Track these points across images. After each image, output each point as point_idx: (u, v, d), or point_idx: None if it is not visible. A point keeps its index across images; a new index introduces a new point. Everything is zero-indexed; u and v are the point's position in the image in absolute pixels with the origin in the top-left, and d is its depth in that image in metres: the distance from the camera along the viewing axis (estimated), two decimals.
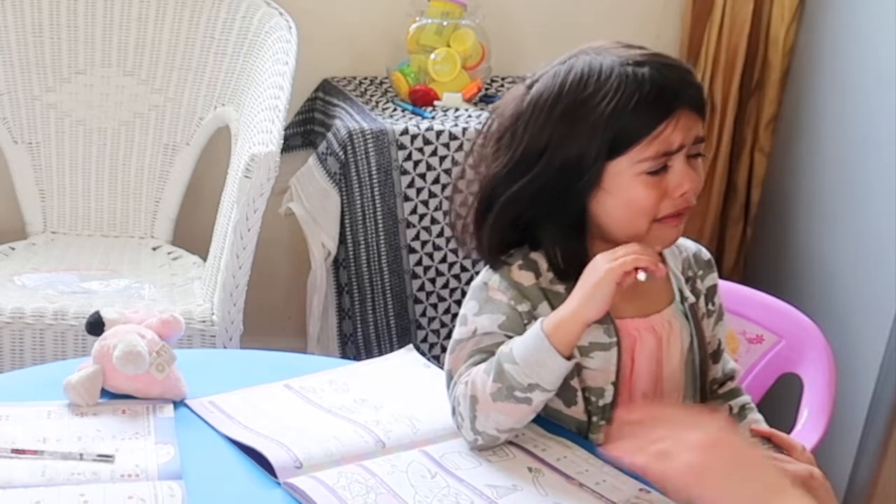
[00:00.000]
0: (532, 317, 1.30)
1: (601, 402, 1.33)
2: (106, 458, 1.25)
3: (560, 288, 1.31)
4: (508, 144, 1.30)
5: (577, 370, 1.31)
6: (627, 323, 1.33)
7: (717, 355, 1.46)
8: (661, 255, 1.37)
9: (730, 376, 1.50)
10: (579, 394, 1.32)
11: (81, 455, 1.25)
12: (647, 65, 1.25)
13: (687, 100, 1.25)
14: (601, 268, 1.23)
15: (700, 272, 1.42)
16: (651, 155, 1.24)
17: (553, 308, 1.29)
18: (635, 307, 1.34)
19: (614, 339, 1.31)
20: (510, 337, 1.28)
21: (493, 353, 1.28)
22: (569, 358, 1.24)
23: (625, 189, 1.26)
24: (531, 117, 1.28)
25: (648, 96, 1.23)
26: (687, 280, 1.39)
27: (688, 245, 1.44)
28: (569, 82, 1.26)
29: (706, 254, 1.45)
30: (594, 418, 1.33)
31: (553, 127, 1.27)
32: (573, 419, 1.34)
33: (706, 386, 1.42)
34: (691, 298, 1.38)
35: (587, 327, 1.24)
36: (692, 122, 1.26)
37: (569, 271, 1.29)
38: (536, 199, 1.29)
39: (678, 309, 1.37)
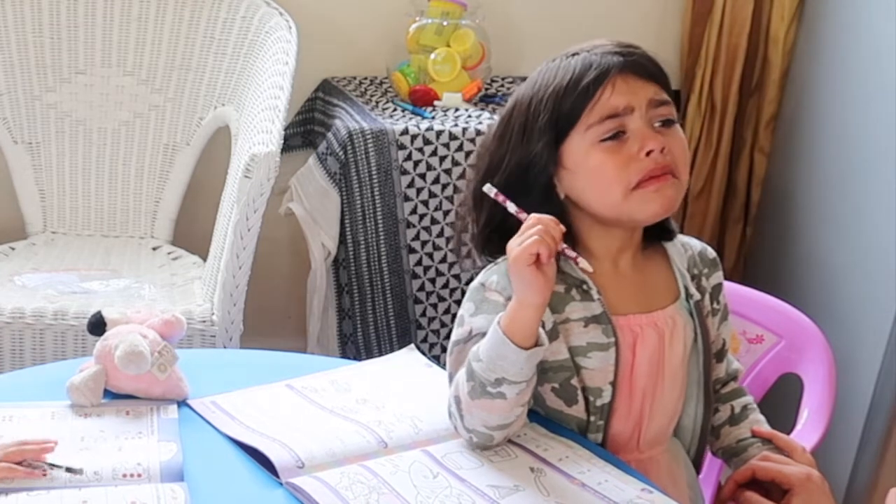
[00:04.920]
0: None
1: (599, 402, 1.33)
2: (74, 470, 1.23)
3: (560, 288, 1.31)
4: (490, 147, 1.35)
5: (576, 370, 1.31)
6: (630, 319, 1.33)
7: (721, 355, 1.46)
8: (666, 253, 1.38)
9: (733, 376, 1.50)
10: (580, 393, 1.32)
11: (52, 465, 1.23)
12: (585, 51, 1.29)
13: (622, 65, 1.26)
14: (510, 257, 1.23)
15: (705, 270, 1.42)
16: (595, 121, 1.26)
17: (551, 308, 1.29)
18: (638, 304, 1.34)
19: (612, 340, 1.31)
20: None
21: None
22: (533, 346, 1.23)
23: (584, 162, 1.27)
24: (502, 121, 1.34)
25: (579, 74, 1.27)
26: (692, 278, 1.39)
27: (693, 243, 1.44)
28: (525, 87, 1.32)
29: (711, 252, 1.45)
30: (592, 418, 1.33)
31: (513, 128, 1.31)
32: (574, 418, 1.34)
33: (710, 385, 1.42)
34: (696, 296, 1.37)
35: (540, 311, 1.23)
36: (636, 85, 1.27)
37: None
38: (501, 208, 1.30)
39: (683, 306, 1.37)
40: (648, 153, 1.25)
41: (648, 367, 1.34)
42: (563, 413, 1.34)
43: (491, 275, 1.33)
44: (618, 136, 1.26)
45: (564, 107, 1.27)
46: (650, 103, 1.27)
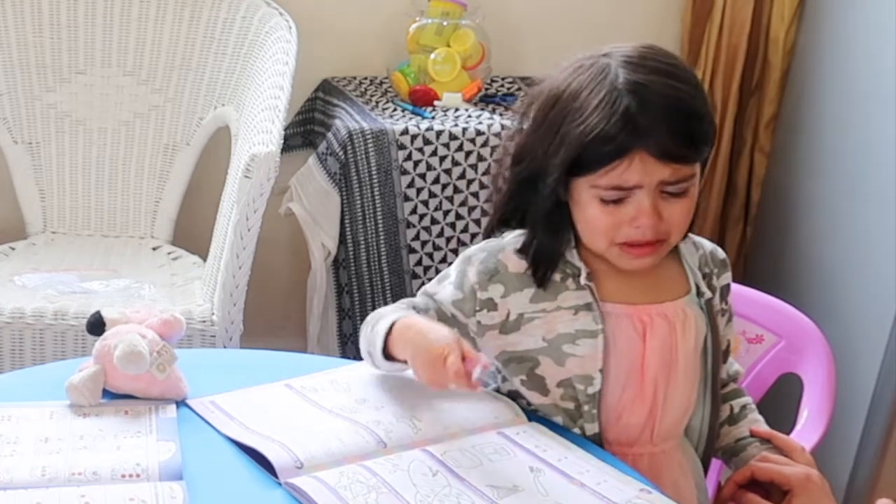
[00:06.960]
0: (494, 305, 1.34)
1: (590, 390, 1.33)
2: None
3: (557, 277, 1.33)
4: (521, 138, 1.34)
5: (560, 360, 1.32)
6: (640, 309, 1.34)
7: (725, 355, 1.47)
8: (677, 248, 1.38)
9: (733, 378, 1.51)
10: (547, 382, 1.34)
11: None
12: (635, 94, 1.23)
13: (650, 145, 1.23)
14: (416, 362, 1.30)
15: (716, 270, 1.43)
16: (604, 185, 1.26)
17: (545, 295, 1.32)
18: (649, 295, 1.35)
19: (600, 326, 1.32)
20: (454, 315, 1.36)
21: (421, 310, 1.38)
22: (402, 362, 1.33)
23: (584, 206, 1.30)
24: (539, 111, 1.31)
25: (612, 129, 1.23)
26: (704, 276, 1.40)
27: (705, 243, 1.45)
28: (569, 89, 1.28)
29: (721, 253, 1.46)
30: (585, 406, 1.34)
31: (542, 130, 1.30)
32: (560, 409, 1.35)
33: (717, 384, 1.42)
34: (708, 294, 1.38)
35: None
36: (654, 168, 1.24)
37: (537, 267, 1.33)
38: (517, 195, 1.34)
39: (693, 301, 1.37)
40: (638, 226, 1.27)
41: (660, 357, 1.34)
42: (544, 405, 1.36)
43: (480, 252, 1.36)
44: (619, 200, 1.27)
45: (581, 158, 1.25)
46: (661, 183, 1.26)
